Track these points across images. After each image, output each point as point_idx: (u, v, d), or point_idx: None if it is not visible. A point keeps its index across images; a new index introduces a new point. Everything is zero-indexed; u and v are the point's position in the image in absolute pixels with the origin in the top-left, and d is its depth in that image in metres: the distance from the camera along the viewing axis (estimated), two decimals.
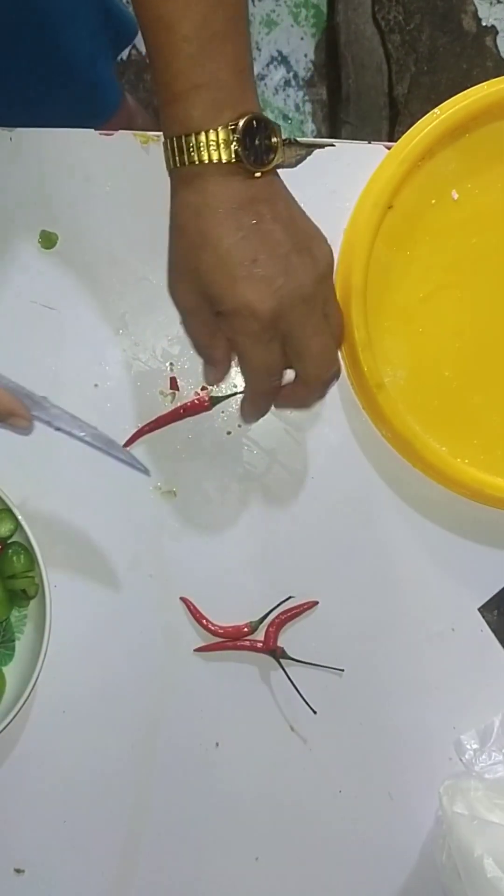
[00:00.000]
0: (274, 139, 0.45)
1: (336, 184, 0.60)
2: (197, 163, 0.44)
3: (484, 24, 1.44)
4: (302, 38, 1.47)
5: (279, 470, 0.62)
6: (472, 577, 0.63)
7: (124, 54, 1.40)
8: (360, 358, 0.57)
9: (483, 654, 0.63)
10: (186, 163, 0.44)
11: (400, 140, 0.57)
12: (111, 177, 0.60)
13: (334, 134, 1.46)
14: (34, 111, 0.73)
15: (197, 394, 0.61)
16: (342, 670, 0.62)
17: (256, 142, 0.44)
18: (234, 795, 0.62)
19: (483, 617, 0.63)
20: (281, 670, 0.61)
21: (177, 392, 0.61)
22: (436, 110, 0.56)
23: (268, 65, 1.46)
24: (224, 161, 0.44)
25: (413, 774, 0.63)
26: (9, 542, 0.59)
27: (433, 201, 0.59)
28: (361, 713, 0.63)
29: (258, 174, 0.45)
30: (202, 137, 0.44)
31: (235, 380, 0.60)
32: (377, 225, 0.56)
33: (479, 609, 0.63)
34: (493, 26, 1.44)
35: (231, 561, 0.62)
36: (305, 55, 1.47)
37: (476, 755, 0.62)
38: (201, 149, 0.44)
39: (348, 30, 1.42)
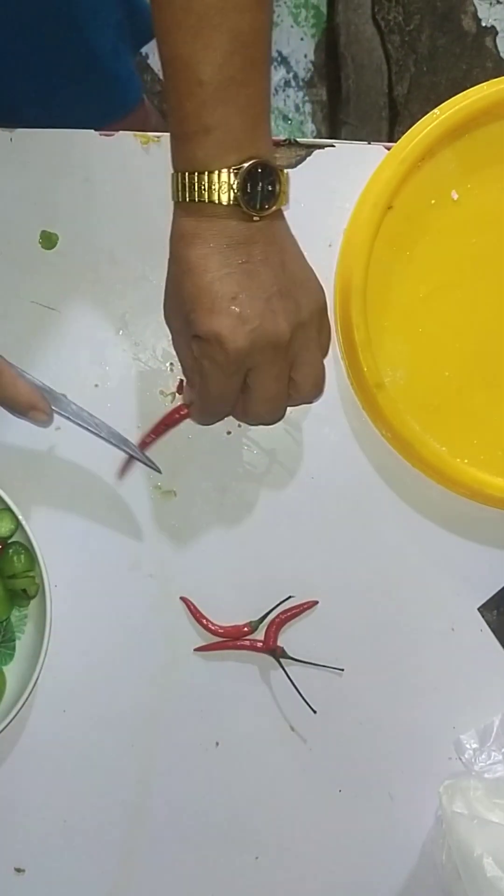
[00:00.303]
0: (277, 186, 0.45)
1: (336, 184, 0.60)
2: (197, 201, 0.45)
3: (484, 24, 1.44)
4: (302, 39, 1.47)
5: (279, 470, 0.62)
6: (471, 577, 0.63)
7: None
8: (360, 358, 0.57)
9: (483, 654, 0.63)
10: (188, 199, 0.45)
11: (400, 140, 0.57)
12: (111, 177, 0.60)
13: (334, 134, 1.47)
14: (56, 102, 0.73)
15: None
16: (342, 670, 0.62)
17: (258, 188, 0.45)
18: (234, 795, 0.62)
19: (483, 617, 0.63)
20: (281, 670, 0.61)
21: (178, 393, 0.61)
22: (436, 111, 0.57)
23: None
24: (224, 203, 0.44)
25: (413, 774, 0.63)
26: (9, 541, 0.59)
27: (433, 201, 0.59)
28: (361, 713, 0.63)
29: (256, 218, 0.45)
30: (205, 178, 0.44)
31: None
32: (377, 225, 0.57)
33: (478, 609, 0.63)
34: (492, 27, 1.44)
35: (231, 561, 0.62)
36: (305, 55, 1.47)
37: (476, 755, 0.62)
38: (203, 189, 0.45)
39: (348, 30, 1.42)
